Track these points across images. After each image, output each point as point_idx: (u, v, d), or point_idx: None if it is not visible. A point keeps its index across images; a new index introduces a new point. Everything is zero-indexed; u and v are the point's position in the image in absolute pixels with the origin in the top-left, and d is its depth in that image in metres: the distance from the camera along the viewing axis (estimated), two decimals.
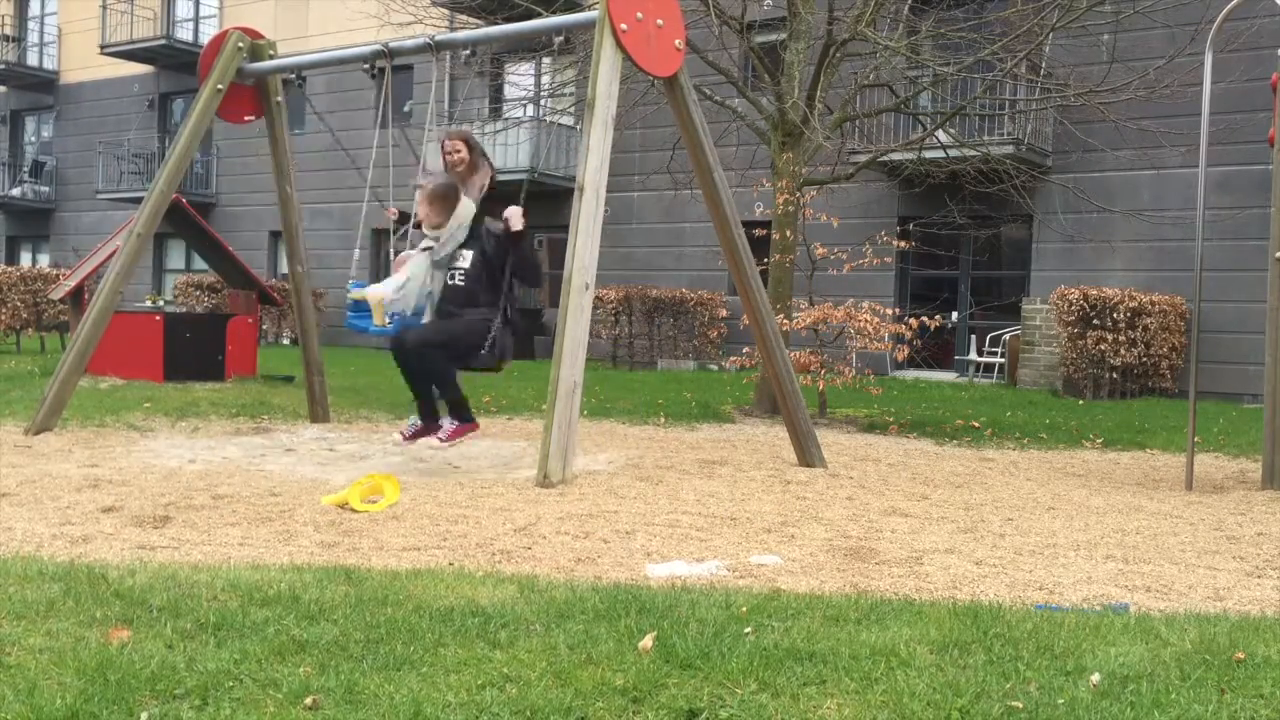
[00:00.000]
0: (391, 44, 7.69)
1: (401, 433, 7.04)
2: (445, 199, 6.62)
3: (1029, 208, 15.86)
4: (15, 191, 28.75)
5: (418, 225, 6.81)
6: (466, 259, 6.65)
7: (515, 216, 6.43)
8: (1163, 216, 15.78)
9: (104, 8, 26.31)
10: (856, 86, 11.82)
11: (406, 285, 6.61)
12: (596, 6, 6.59)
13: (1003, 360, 16.86)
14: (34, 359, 14.83)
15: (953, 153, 13.59)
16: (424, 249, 6.75)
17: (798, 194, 11.41)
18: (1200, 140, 7.56)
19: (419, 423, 6.88)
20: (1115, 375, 14.61)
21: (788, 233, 11.48)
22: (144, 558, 4.22)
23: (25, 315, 17.13)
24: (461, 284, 6.60)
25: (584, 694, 2.71)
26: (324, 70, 8.40)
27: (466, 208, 6.73)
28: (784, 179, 11.34)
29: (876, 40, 11.10)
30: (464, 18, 17.33)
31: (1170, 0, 11.96)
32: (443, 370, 6.62)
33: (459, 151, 7.09)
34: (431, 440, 6.87)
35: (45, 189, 28.92)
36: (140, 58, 26.51)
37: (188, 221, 13.62)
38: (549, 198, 21.07)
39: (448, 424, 6.75)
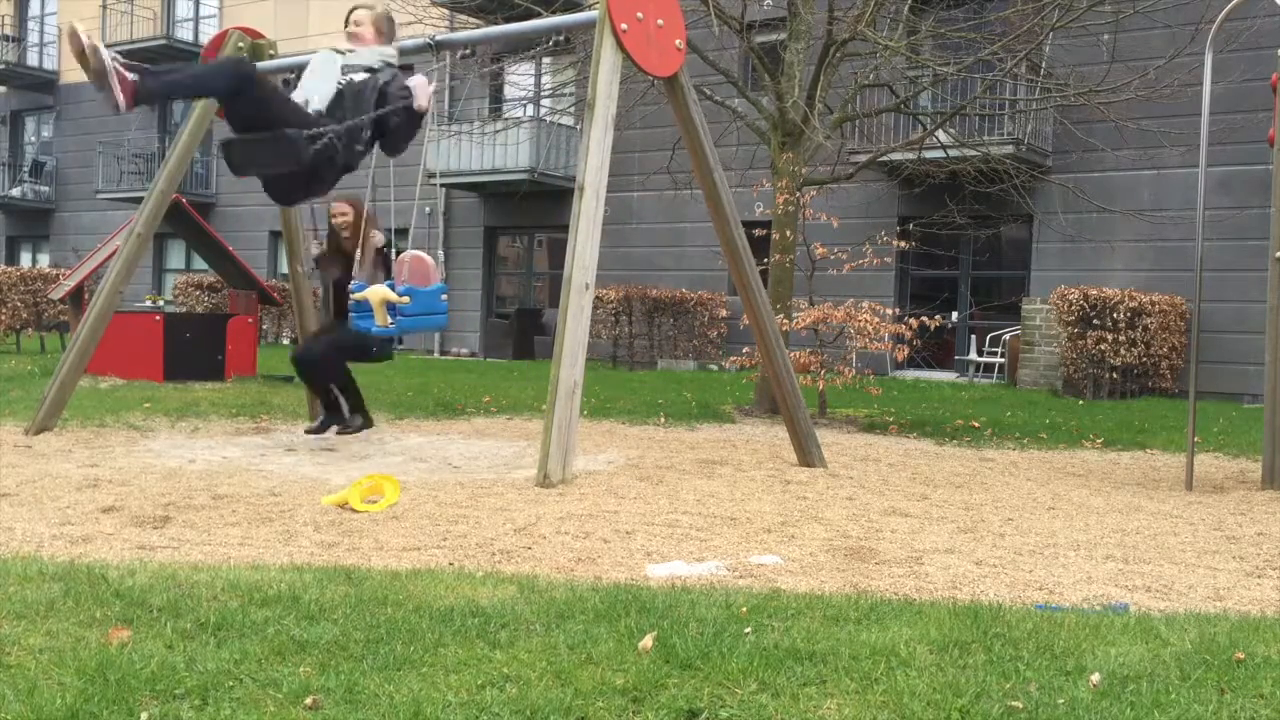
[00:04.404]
0: None
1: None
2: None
3: (1029, 208, 15.87)
4: (15, 191, 28.75)
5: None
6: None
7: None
8: (1163, 216, 15.78)
9: (104, 8, 26.32)
10: (856, 86, 11.82)
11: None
12: (596, 6, 6.59)
13: (1003, 360, 16.86)
14: (34, 359, 14.83)
15: (953, 153, 13.60)
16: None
17: (798, 194, 11.41)
18: (1200, 140, 7.56)
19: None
20: (1115, 375, 14.61)
21: (788, 233, 11.48)
22: (144, 558, 4.22)
23: (25, 315, 17.13)
24: None
25: (584, 694, 2.71)
26: None
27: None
28: (784, 179, 11.34)
29: (876, 40, 11.10)
30: (464, 18, 17.33)
31: (1170, 0, 11.96)
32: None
33: (345, 215, 7.45)
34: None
35: (45, 189, 28.91)
36: (140, 57, 26.49)
37: (188, 221, 13.62)
38: (549, 198, 21.08)
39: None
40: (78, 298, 13.34)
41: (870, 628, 3.29)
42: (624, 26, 6.48)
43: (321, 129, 6.00)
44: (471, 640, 3.09)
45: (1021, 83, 14.49)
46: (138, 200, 11.29)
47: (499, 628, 3.21)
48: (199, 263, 23.14)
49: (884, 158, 14.17)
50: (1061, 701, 2.71)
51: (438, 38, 7.51)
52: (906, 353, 11.06)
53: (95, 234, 25.75)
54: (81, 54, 5.33)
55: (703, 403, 12.02)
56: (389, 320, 6.79)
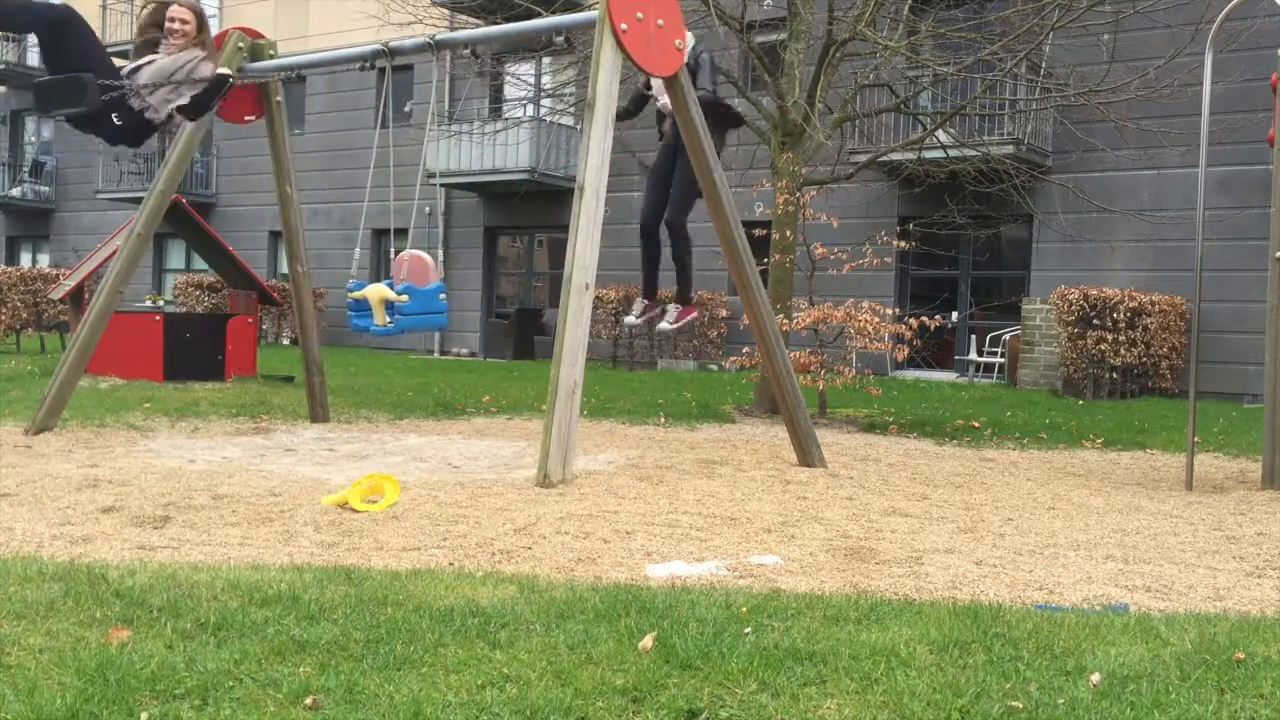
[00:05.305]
0: (392, 44, 7.69)
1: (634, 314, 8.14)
2: None
3: (1029, 208, 15.87)
4: (15, 191, 28.74)
5: None
6: None
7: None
8: (1163, 216, 15.78)
9: (104, 8, 26.30)
10: (856, 86, 11.82)
11: None
12: (596, 6, 6.59)
13: (1003, 360, 16.86)
14: (34, 359, 14.83)
15: (953, 153, 13.60)
16: None
17: (798, 194, 11.41)
18: (1200, 140, 7.56)
19: (646, 301, 8.04)
20: (1115, 375, 14.61)
21: (788, 233, 11.48)
22: (144, 558, 4.22)
23: (25, 315, 17.13)
24: None
25: (584, 694, 2.71)
26: (324, 70, 8.42)
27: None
28: (784, 179, 11.34)
29: (876, 40, 11.10)
30: (464, 18, 17.32)
31: (1170, 0, 11.96)
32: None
33: (187, 23, 7.15)
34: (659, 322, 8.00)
35: (45, 189, 28.91)
36: None
37: (188, 221, 13.62)
38: (549, 198, 21.08)
39: (673, 309, 7.87)
40: (78, 298, 13.34)
41: (870, 628, 3.29)
42: (624, 26, 6.48)
43: (118, 82, 6.80)
44: (471, 640, 3.09)
45: (1021, 83, 14.49)
46: (138, 200, 11.28)
47: (499, 628, 3.21)
48: (199, 263, 23.14)
49: (884, 158, 14.17)
50: (1061, 701, 2.71)
51: (438, 38, 7.52)
52: (906, 353, 11.06)
53: (95, 234, 25.75)
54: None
55: (703, 403, 12.02)
56: (388, 319, 6.79)
